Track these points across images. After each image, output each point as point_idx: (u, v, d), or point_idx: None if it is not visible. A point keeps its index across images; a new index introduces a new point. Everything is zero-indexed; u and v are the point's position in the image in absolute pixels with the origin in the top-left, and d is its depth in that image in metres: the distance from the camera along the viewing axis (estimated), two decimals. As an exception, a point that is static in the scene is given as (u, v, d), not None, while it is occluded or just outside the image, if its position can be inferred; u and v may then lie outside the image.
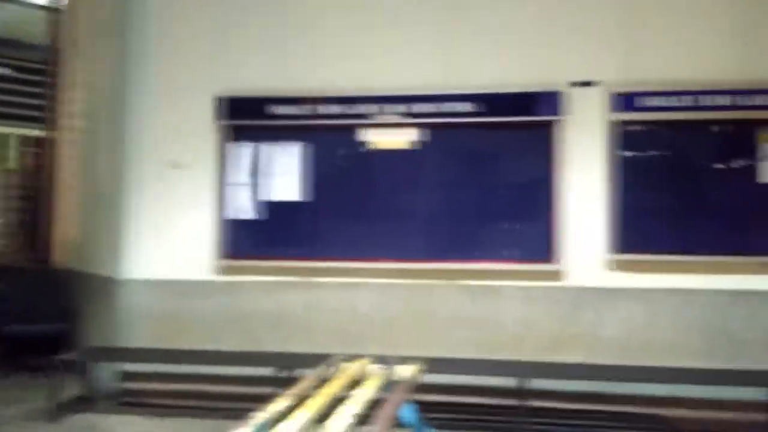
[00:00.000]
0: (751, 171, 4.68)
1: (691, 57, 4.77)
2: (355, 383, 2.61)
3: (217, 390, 5.07)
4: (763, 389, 4.24)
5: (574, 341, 4.74)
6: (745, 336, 4.58)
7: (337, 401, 2.30)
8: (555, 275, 4.79)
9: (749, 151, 4.70)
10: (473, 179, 4.96)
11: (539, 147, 4.89)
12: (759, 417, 4.36)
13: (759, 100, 4.69)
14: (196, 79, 5.30)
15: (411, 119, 5.01)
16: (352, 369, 2.83)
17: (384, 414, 2.14)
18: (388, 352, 3.48)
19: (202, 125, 5.24)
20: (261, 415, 1.94)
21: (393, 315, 4.95)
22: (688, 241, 4.68)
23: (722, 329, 4.61)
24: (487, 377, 4.56)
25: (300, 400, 2.22)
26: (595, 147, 4.82)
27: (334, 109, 5.11)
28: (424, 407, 3.34)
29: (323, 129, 5.11)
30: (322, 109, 5.11)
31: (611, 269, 4.75)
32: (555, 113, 4.84)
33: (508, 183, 4.93)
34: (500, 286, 4.86)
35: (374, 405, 2.38)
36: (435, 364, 4.40)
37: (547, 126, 4.87)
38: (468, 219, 4.93)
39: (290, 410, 2.06)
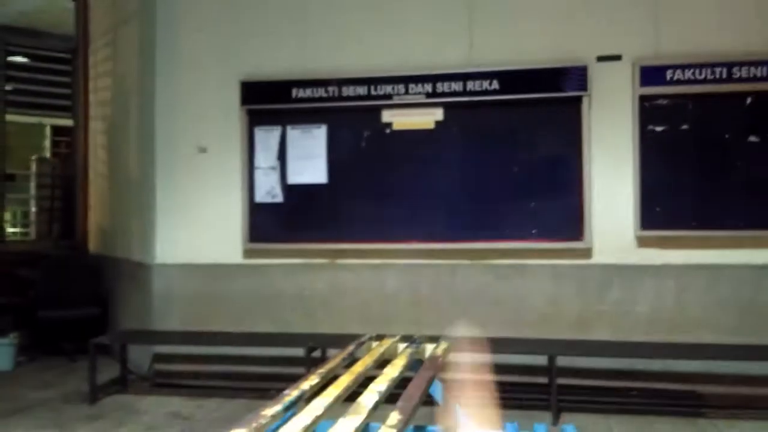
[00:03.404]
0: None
1: (722, 27, 4.65)
2: (384, 362, 2.63)
3: (248, 370, 5.16)
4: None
5: (602, 318, 4.72)
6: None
7: (367, 379, 2.32)
8: (583, 253, 4.76)
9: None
10: (499, 158, 4.92)
11: (566, 123, 4.83)
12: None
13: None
14: (221, 65, 5.34)
15: (435, 98, 4.97)
16: (380, 347, 2.85)
17: (413, 391, 2.16)
18: (415, 332, 3.50)
19: (228, 110, 5.28)
20: (292, 393, 1.97)
21: (419, 295, 4.97)
22: (718, 216, 4.60)
23: (752, 304, 4.54)
24: (515, 356, 4.56)
25: (329, 379, 2.25)
26: (623, 122, 4.74)
27: (358, 90, 5.09)
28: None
29: (347, 111, 5.11)
30: (346, 90, 5.11)
31: (640, 246, 4.70)
32: (582, 89, 4.77)
33: (534, 161, 4.88)
34: (528, 265, 4.84)
35: (403, 383, 2.39)
36: (462, 343, 4.43)
37: (573, 102, 4.80)
38: (494, 198, 4.90)
39: (320, 388, 2.09)
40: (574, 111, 4.81)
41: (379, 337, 3.12)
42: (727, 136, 4.66)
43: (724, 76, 4.63)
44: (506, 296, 4.85)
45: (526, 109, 4.90)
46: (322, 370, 2.36)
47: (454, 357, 3.08)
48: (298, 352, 4.55)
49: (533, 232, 4.82)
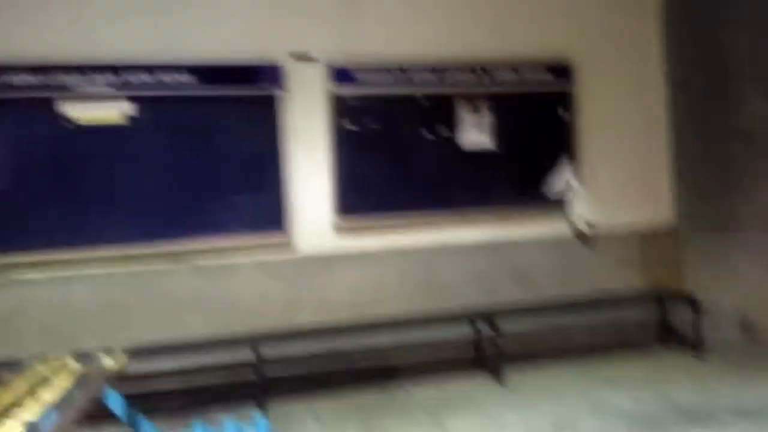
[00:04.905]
0: (453, 139, 5.21)
1: (401, 36, 5.12)
2: (43, 383, 2.32)
3: None
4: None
5: (306, 306, 4.85)
6: (452, 281, 5.15)
7: (15, 405, 2.03)
8: (285, 246, 4.86)
9: (451, 121, 5.22)
10: (197, 155, 4.76)
11: (263, 119, 4.87)
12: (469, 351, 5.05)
13: (457, 77, 5.22)
14: None
15: (122, 91, 4.61)
16: (41, 369, 2.52)
17: (71, 410, 1.94)
18: (113, 344, 3.19)
19: None
20: None
21: (116, 305, 4.55)
22: (402, 202, 5.08)
23: (432, 277, 5.10)
24: (221, 354, 4.48)
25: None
26: (318, 119, 4.95)
27: (29, 79, 4.46)
28: (152, 396, 3.06)
29: (16, 102, 4.45)
30: (14, 79, 4.43)
31: (337, 235, 4.96)
32: (278, 86, 4.85)
33: (233, 157, 4.82)
34: (232, 263, 4.77)
35: (69, 401, 2.15)
36: (157, 350, 4.19)
37: (270, 99, 4.86)
38: (193, 196, 4.73)
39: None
40: (273, 107, 4.88)
41: (52, 357, 2.77)
42: (408, 132, 5.15)
43: (404, 79, 5.10)
44: (211, 296, 4.72)
45: (224, 105, 4.81)
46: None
47: (138, 368, 2.87)
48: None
49: (235, 228, 4.76)
